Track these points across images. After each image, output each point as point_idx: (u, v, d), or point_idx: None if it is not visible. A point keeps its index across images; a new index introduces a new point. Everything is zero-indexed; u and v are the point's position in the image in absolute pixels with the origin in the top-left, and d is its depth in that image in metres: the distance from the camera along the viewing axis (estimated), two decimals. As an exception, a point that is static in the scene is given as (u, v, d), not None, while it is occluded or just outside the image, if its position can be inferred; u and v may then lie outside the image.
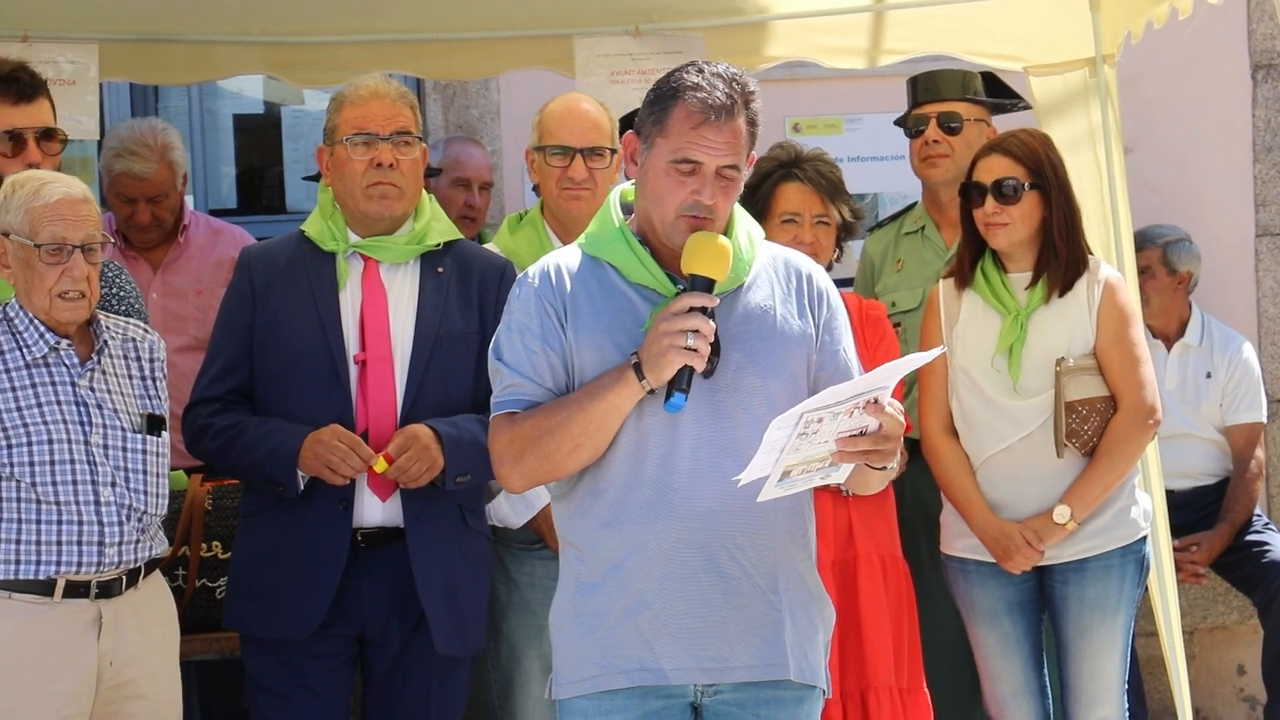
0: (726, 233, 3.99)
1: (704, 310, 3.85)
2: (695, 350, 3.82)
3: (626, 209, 4.07)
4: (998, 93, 6.27)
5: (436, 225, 5.06)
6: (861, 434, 3.81)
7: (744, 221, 4.08)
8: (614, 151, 5.39)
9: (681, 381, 3.84)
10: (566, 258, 4.06)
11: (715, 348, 3.90)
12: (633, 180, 4.07)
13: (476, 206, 6.87)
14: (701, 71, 3.95)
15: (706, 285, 3.89)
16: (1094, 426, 5.31)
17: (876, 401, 3.79)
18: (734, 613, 3.95)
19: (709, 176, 3.92)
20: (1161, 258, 7.15)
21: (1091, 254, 5.44)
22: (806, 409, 3.71)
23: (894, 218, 6.41)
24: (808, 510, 4.08)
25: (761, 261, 4.07)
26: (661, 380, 3.85)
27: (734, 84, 3.94)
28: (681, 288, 3.93)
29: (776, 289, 4.05)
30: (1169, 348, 7.15)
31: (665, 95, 3.96)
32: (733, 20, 6.48)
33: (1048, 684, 5.50)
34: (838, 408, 3.74)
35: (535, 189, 5.66)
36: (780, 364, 3.99)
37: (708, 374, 3.91)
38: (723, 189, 3.94)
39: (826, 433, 3.77)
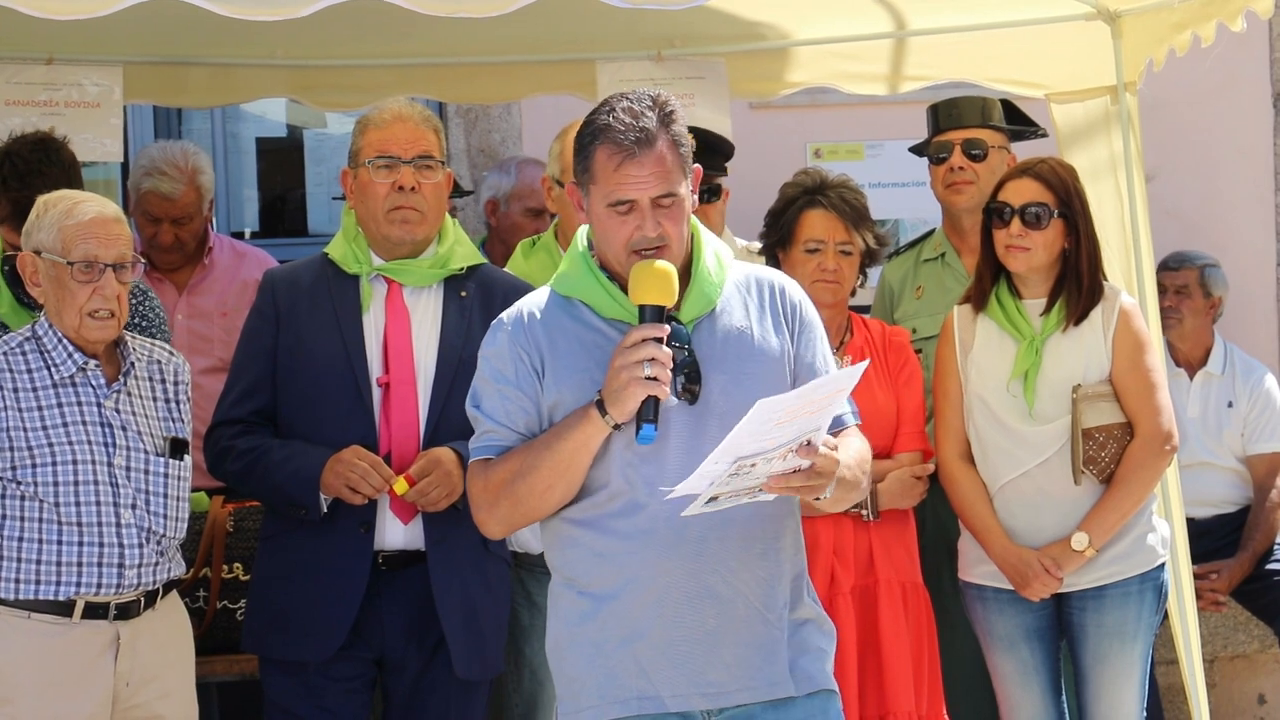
0: (692, 255, 3.99)
1: (659, 339, 3.83)
2: (655, 379, 3.80)
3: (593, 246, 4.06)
4: (1015, 120, 6.27)
5: (460, 249, 5.06)
6: (795, 471, 3.80)
7: (711, 242, 4.06)
8: None
9: (648, 412, 3.81)
10: (539, 300, 4.05)
11: (696, 374, 3.90)
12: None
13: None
14: (612, 110, 3.93)
15: (657, 314, 3.87)
16: (1111, 453, 5.30)
17: (809, 443, 3.77)
18: (730, 635, 3.93)
19: (646, 210, 3.91)
20: (1199, 279, 7.16)
21: (1107, 281, 5.44)
22: (741, 454, 3.69)
23: (912, 244, 6.40)
24: (797, 526, 4.06)
25: (732, 282, 4.05)
26: (626, 414, 3.83)
27: (645, 114, 3.92)
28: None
29: (750, 307, 4.03)
30: (1191, 376, 7.15)
31: (585, 141, 3.96)
32: (755, 46, 6.50)
33: (1066, 711, 5.49)
34: (771, 453, 3.72)
35: (549, 215, 5.65)
36: (763, 383, 3.95)
37: (692, 400, 3.90)
38: (666, 216, 3.93)
39: (759, 473, 3.76)
